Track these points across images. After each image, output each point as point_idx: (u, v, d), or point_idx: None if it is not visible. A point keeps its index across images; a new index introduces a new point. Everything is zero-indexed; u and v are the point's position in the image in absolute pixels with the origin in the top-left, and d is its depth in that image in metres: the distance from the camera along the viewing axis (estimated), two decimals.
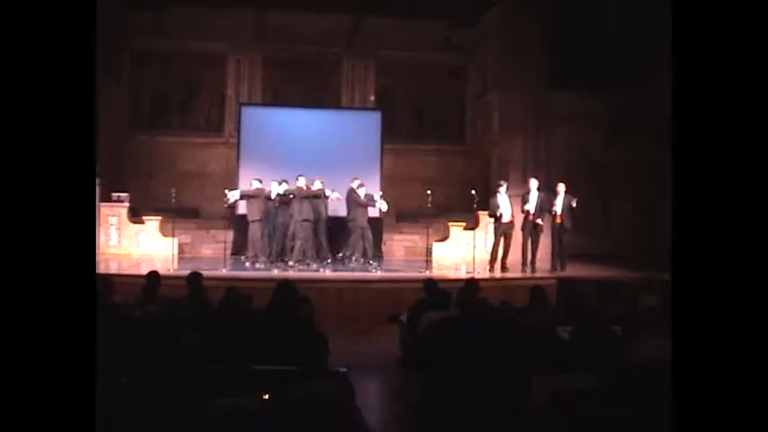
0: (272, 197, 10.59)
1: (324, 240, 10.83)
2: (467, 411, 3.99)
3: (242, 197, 10.86)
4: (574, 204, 10.10)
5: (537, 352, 4.03)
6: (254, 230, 10.49)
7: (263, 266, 10.26)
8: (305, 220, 10.35)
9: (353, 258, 10.75)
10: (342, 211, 11.21)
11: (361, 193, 10.88)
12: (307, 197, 10.38)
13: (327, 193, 10.61)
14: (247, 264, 10.49)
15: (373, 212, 11.44)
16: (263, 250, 10.48)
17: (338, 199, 10.85)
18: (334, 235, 11.27)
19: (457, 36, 15.01)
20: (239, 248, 11.48)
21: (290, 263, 10.36)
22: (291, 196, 10.41)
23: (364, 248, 10.77)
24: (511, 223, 10.44)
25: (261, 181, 10.77)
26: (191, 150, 14.43)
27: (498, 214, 10.36)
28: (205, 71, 14.61)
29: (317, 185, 10.53)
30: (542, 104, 13.22)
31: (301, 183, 10.57)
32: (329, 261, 10.79)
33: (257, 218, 10.45)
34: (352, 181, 10.99)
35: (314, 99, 14.61)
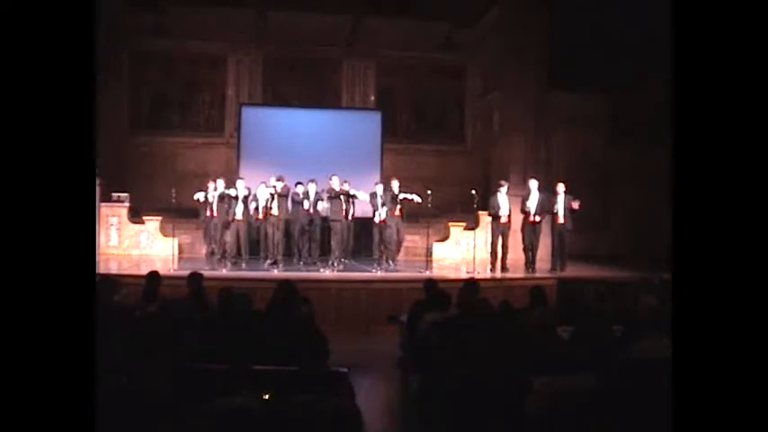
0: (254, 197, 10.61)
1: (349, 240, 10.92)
2: (467, 411, 3.99)
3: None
4: (575, 206, 10.10)
5: (537, 352, 4.02)
6: (226, 230, 10.46)
7: (233, 267, 10.20)
8: (333, 220, 10.44)
9: (386, 259, 10.74)
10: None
11: (393, 188, 10.78)
12: (338, 197, 10.40)
13: (356, 193, 10.59)
14: (223, 264, 10.35)
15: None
16: (222, 250, 10.44)
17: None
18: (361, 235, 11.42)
19: (457, 36, 14.98)
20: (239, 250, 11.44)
21: (330, 261, 10.39)
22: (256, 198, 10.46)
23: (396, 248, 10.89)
24: (507, 224, 10.43)
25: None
26: (191, 150, 14.40)
27: (498, 214, 10.37)
28: (205, 71, 14.57)
29: (345, 186, 10.59)
30: (542, 104, 13.22)
31: (335, 183, 10.57)
32: (348, 262, 10.82)
33: (226, 218, 10.41)
34: (392, 182, 10.97)
35: (314, 99, 14.59)
